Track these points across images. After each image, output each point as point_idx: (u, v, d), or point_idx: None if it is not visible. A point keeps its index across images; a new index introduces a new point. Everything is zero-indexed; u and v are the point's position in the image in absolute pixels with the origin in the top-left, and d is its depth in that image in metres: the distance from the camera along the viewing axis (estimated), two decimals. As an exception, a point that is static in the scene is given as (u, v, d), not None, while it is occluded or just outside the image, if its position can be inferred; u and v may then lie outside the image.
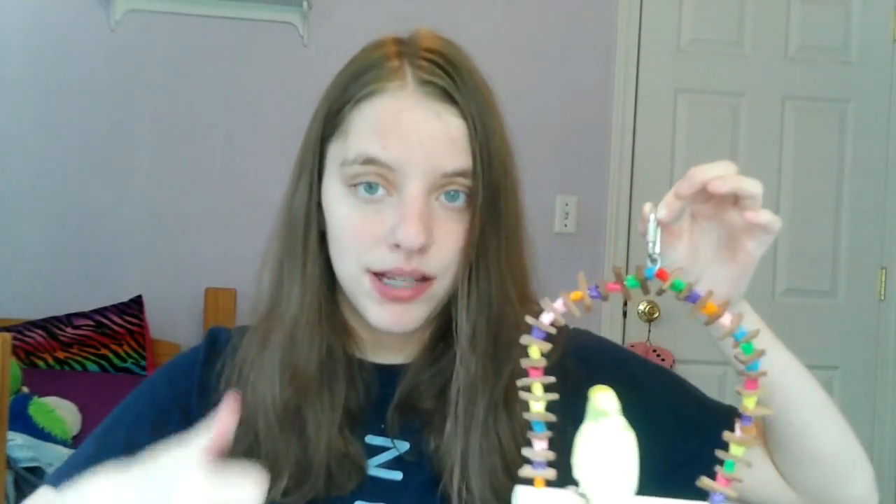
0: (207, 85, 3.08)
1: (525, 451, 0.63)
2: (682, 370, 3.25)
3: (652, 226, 0.74)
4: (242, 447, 0.89)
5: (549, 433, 0.63)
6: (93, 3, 3.04)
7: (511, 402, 0.88)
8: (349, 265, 0.88)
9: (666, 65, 3.28)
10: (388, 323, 0.88)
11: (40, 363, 2.81)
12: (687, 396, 1.00)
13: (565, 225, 3.22)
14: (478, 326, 0.88)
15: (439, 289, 0.88)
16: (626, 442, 0.62)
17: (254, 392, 0.90)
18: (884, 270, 3.34)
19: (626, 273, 0.66)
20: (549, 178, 3.20)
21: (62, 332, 2.86)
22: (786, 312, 3.30)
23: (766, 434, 0.92)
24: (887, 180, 3.34)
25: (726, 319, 0.66)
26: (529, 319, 0.63)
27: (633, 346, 3.20)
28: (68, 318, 2.88)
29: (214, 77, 3.09)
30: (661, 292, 0.69)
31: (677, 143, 3.28)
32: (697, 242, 0.83)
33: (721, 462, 0.66)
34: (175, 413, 0.94)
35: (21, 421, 2.31)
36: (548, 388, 0.64)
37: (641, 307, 3.24)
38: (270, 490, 0.87)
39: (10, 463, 2.11)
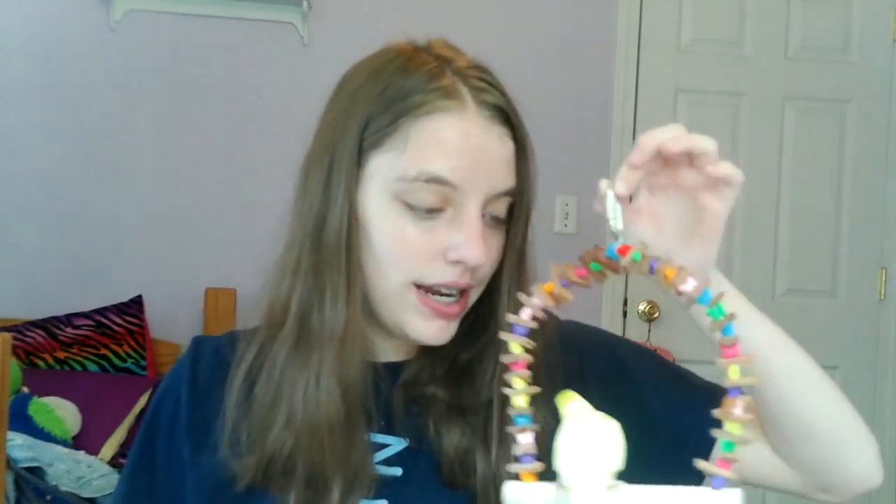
0: (207, 85, 3.08)
1: (513, 448, 0.63)
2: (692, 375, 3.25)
3: (610, 201, 0.73)
4: (278, 450, 0.88)
5: (534, 426, 0.63)
6: (93, 3, 3.04)
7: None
8: (394, 279, 0.88)
9: (666, 65, 3.28)
10: (433, 337, 0.90)
11: (40, 363, 2.81)
12: (676, 378, 1.00)
13: (565, 225, 3.22)
14: (496, 323, 0.91)
15: (472, 300, 0.92)
16: (606, 430, 0.60)
17: (304, 401, 0.88)
18: (884, 270, 3.34)
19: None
20: (549, 178, 3.16)
21: (62, 332, 2.86)
22: (786, 312, 3.27)
23: (759, 410, 0.91)
24: (887, 180, 3.34)
25: (688, 286, 0.64)
26: (510, 317, 0.64)
27: (633, 346, 3.20)
28: (68, 318, 2.88)
29: (214, 77, 3.09)
30: (624, 269, 0.68)
31: (677, 143, 3.28)
32: (660, 217, 0.81)
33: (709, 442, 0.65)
34: (179, 439, 0.95)
35: (21, 421, 2.31)
36: (532, 383, 0.64)
37: (641, 307, 3.24)
38: (322, 499, 0.87)
39: (10, 463, 2.11)
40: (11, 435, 2.15)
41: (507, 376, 0.63)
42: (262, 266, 0.93)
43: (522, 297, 0.64)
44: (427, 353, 0.94)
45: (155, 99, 3.07)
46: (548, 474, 0.60)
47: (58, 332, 2.86)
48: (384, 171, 0.87)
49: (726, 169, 0.76)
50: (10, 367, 2.00)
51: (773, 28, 3.31)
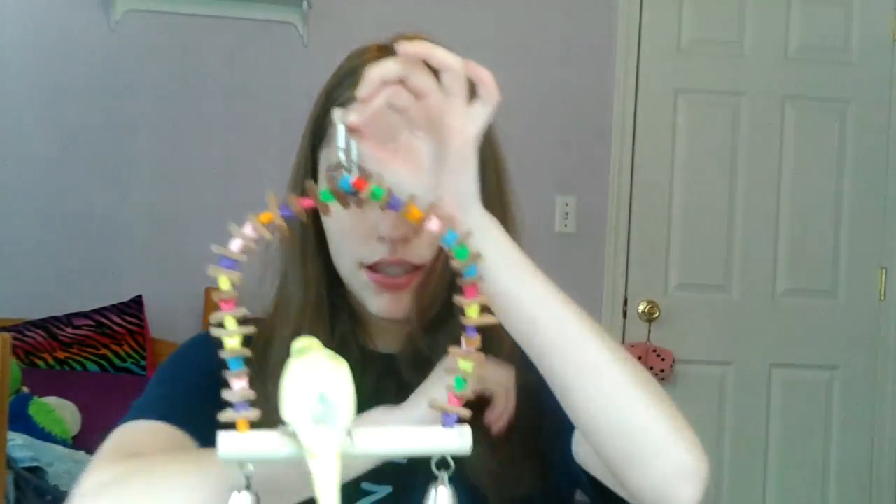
0: (207, 85, 3.08)
1: (224, 393, 0.58)
2: (682, 370, 3.25)
3: (341, 133, 0.68)
4: None
5: (246, 370, 0.58)
6: (93, 3, 3.04)
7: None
8: (346, 263, 0.93)
9: (666, 65, 3.28)
10: (385, 310, 0.93)
11: (40, 363, 2.81)
12: None
13: (565, 225, 3.22)
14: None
15: (427, 278, 0.92)
16: (335, 372, 0.57)
17: (264, 391, 0.89)
18: (884, 270, 3.34)
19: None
20: (549, 178, 3.20)
21: (62, 332, 2.86)
22: (786, 312, 3.30)
23: None
24: (887, 180, 3.34)
25: (434, 224, 0.62)
26: (216, 248, 0.59)
27: (633, 346, 3.20)
28: (68, 318, 2.88)
29: (214, 77, 3.08)
30: (360, 203, 0.64)
31: (677, 143, 3.28)
32: (418, 155, 0.74)
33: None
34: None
35: (21, 421, 2.31)
36: (242, 322, 0.58)
37: (641, 307, 3.24)
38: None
39: (10, 463, 2.11)
40: (11, 435, 2.15)
41: (215, 315, 0.58)
42: (262, 266, 0.97)
43: (233, 226, 0.59)
44: (409, 345, 0.96)
45: (155, 99, 3.07)
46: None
47: (58, 332, 2.86)
48: (323, 165, 0.94)
49: (451, 60, 0.69)
50: (10, 367, 2.00)
51: (773, 28, 3.31)
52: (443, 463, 0.67)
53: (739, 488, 3.29)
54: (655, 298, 3.24)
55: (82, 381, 2.73)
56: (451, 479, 0.88)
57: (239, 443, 0.58)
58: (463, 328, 0.61)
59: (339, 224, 0.92)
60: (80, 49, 3.04)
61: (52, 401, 2.47)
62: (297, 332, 0.91)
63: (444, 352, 0.91)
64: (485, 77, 0.71)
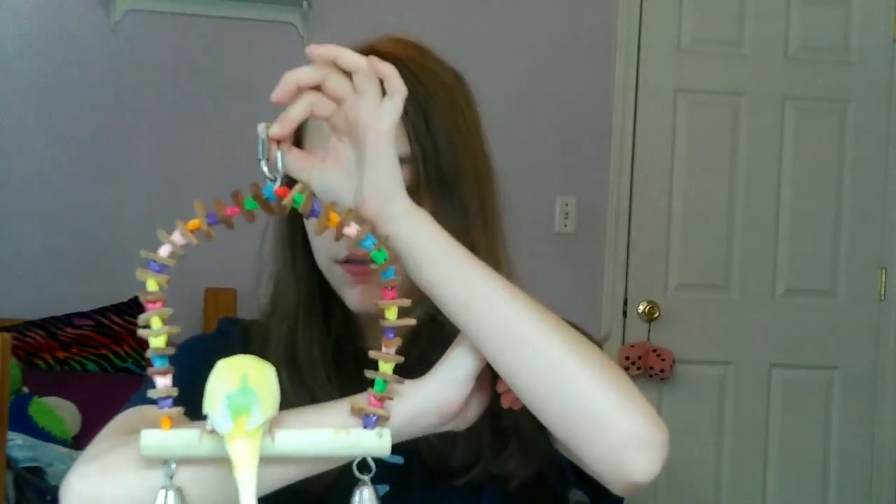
0: (207, 85, 3.08)
1: (149, 392, 0.60)
2: (682, 370, 3.25)
3: (261, 144, 0.72)
4: None
5: (169, 368, 0.60)
6: (93, 3, 3.04)
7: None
8: (321, 260, 0.93)
9: (666, 65, 3.28)
10: (357, 302, 0.91)
11: (40, 363, 2.81)
12: None
13: (565, 225, 3.22)
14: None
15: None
16: (258, 367, 0.59)
17: None
18: (884, 270, 3.34)
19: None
20: (549, 178, 3.20)
21: (62, 332, 2.86)
22: (786, 312, 3.30)
23: None
24: (887, 180, 3.34)
25: (351, 230, 0.64)
26: (144, 253, 0.61)
27: (633, 346, 3.20)
28: (68, 318, 2.88)
29: (214, 77, 3.08)
30: (283, 210, 0.67)
31: (677, 143, 3.28)
32: (344, 159, 0.78)
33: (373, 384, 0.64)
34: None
35: (21, 421, 2.30)
36: (167, 322, 0.61)
37: (641, 307, 3.24)
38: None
39: (10, 463, 2.11)
40: (11, 435, 2.15)
41: (143, 316, 0.60)
42: (262, 266, 0.98)
43: (161, 232, 0.62)
44: (406, 346, 0.94)
45: (155, 99, 3.07)
46: None
47: (58, 332, 2.86)
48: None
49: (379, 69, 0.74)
50: (10, 367, 2.00)
51: (773, 28, 3.31)
52: (364, 465, 0.69)
53: (739, 488, 3.29)
54: (655, 298, 3.24)
55: (82, 381, 2.73)
56: (453, 476, 0.88)
57: (161, 440, 0.59)
58: (382, 330, 0.63)
59: (307, 224, 0.92)
60: (80, 49, 3.04)
61: (52, 401, 2.47)
62: (291, 331, 0.92)
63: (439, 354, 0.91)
64: (387, 72, 0.75)
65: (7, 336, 1.98)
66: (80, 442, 2.44)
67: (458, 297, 0.76)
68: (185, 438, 0.59)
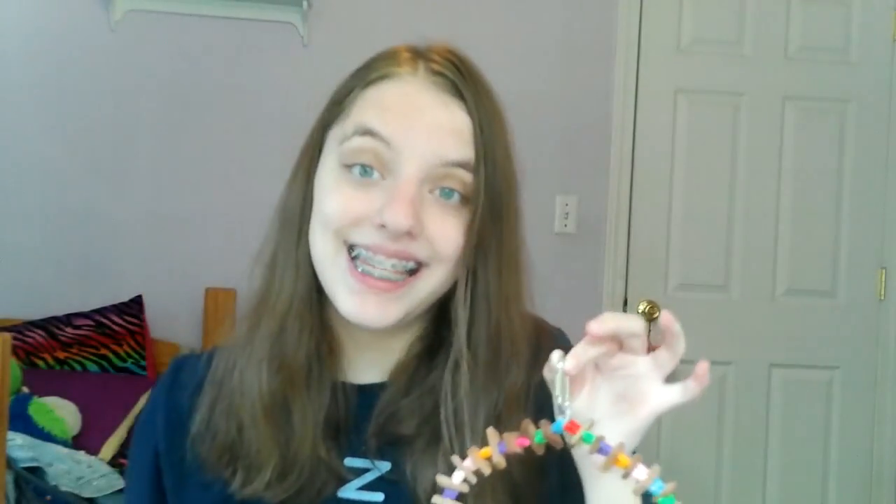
0: (207, 85, 3.08)
1: None
2: (682, 370, 3.24)
3: (559, 377, 0.72)
4: (227, 438, 0.89)
5: None
6: (93, 3, 3.04)
7: (510, 417, 0.85)
8: (328, 242, 0.86)
9: (666, 65, 3.28)
10: (362, 315, 0.85)
11: (40, 363, 2.81)
12: None
13: (565, 225, 3.22)
14: (477, 334, 0.86)
15: (422, 285, 0.86)
16: None
17: (241, 381, 0.90)
18: (884, 270, 3.34)
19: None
20: (549, 178, 3.20)
21: (62, 332, 2.86)
22: (786, 312, 3.30)
23: None
24: (887, 180, 3.34)
25: (641, 473, 0.65)
26: (441, 479, 0.62)
27: (633, 346, 3.20)
28: (68, 318, 2.88)
29: (214, 77, 3.08)
30: (570, 446, 0.67)
31: (677, 143, 3.28)
32: (596, 392, 0.79)
33: None
34: (164, 467, 0.95)
35: (21, 421, 2.30)
36: None
37: (641, 307, 3.24)
38: (253, 482, 0.87)
39: (10, 463, 2.11)
40: (11, 435, 2.15)
41: None
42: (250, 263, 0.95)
43: (456, 459, 0.62)
44: (401, 373, 0.90)
45: (155, 99, 3.07)
46: None
47: (58, 332, 2.86)
48: (334, 142, 0.88)
49: (674, 327, 0.79)
50: (10, 367, 2.00)
51: (773, 28, 3.31)
52: None
53: (739, 488, 3.29)
54: (655, 298, 3.24)
55: (82, 381, 2.73)
56: None
57: None
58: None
59: (335, 197, 0.85)
60: (80, 49, 3.04)
61: (52, 401, 2.47)
62: (281, 325, 0.88)
63: (431, 390, 0.87)
64: (703, 376, 0.79)
65: (7, 336, 1.98)
66: (79, 442, 2.44)
67: None
68: None
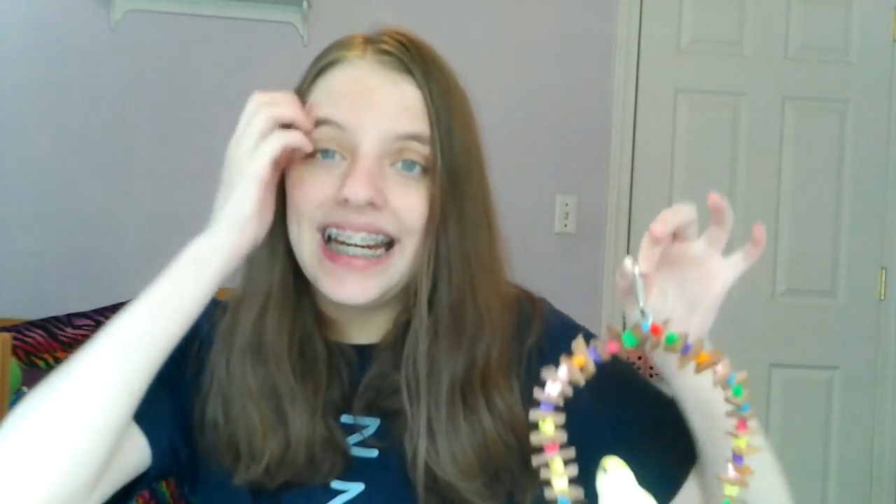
0: (208, 85, 3.08)
1: None
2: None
3: (637, 282, 0.73)
4: (225, 429, 0.90)
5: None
6: (93, 3, 3.04)
7: (490, 387, 0.88)
8: (303, 230, 0.89)
9: (666, 65, 3.28)
10: (342, 293, 0.88)
11: (40, 363, 2.81)
12: (637, 385, 0.99)
13: (565, 225, 3.22)
14: (439, 301, 0.88)
15: (398, 261, 0.89)
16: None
17: (228, 370, 0.92)
18: (884, 270, 3.34)
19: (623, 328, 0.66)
20: (549, 178, 3.20)
21: (62, 332, 2.86)
22: (786, 312, 3.30)
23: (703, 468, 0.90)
24: (887, 180, 3.34)
25: (722, 366, 0.67)
26: (537, 392, 0.60)
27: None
28: (68, 318, 2.88)
29: (214, 77, 3.08)
30: (655, 347, 0.68)
31: (677, 143, 3.28)
32: (664, 287, 0.83)
33: None
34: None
35: (21, 421, 2.30)
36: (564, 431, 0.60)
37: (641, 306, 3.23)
38: (249, 468, 0.89)
39: (10, 463, 2.10)
40: (11, 435, 2.15)
41: (541, 458, 0.59)
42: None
43: (548, 370, 0.61)
44: (395, 340, 0.93)
45: (155, 99, 3.07)
46: None
47: (58, 332, 2.86)
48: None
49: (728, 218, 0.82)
50: (10, 367, 2.00)
51: (773, 28, 3.31)
52: None
53: (739, 488, 3.29)
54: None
55: (82, 381, 2.73)
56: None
57: None
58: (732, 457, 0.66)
59: (299, 183, 0.89)
60: (80, 49, 3.04)
61: (52, 401, 2.47)
62: (261, 313, 0.90)
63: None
64: (761, 239, 0.83)
65: (7, 336, 1.98)
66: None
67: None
68: None
